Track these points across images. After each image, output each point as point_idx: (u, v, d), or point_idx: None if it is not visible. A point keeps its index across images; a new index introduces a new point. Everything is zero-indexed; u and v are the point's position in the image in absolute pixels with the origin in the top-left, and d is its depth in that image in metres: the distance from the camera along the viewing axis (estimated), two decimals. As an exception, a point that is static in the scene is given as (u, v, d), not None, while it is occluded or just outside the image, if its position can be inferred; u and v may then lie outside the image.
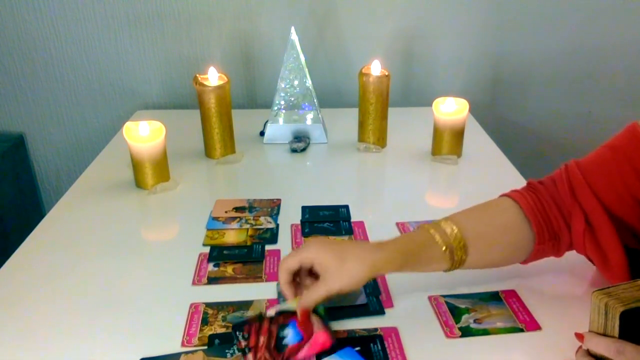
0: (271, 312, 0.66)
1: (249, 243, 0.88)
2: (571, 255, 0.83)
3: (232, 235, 0.90)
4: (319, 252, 0.65)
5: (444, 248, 0.67)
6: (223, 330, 0.69)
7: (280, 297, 0.75)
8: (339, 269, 0.64)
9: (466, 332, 0.68)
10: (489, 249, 0.71)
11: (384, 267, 0.66)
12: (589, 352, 0.54)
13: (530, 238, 0.71)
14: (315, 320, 0.65)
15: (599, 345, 0.52)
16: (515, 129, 1.59)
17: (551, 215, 0.71)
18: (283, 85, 1.23)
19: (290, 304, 0.66)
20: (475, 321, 0.70)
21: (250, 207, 0.98)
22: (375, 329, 0.69)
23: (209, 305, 0.74)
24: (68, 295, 0.76)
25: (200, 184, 1.10)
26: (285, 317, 0.65)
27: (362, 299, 0.74)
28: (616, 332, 0.50)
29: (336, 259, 0.64)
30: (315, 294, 0.64)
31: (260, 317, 0.66)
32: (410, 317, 0.71)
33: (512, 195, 0.74)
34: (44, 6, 1.40)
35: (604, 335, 0.51)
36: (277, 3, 1.42)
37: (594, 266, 0.74)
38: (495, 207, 0.74)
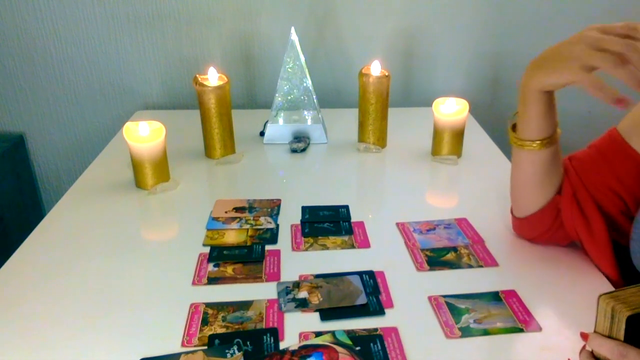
0: (294, 346, 0.65)
1: (249, 243, 0.88)
2: (571, 256, 0.83)
3: (232, 236, 0.90)
4: None
5: None
6: (223, 330, 0.69)
7: (281, 297, 0.75)
8: None
9: (466, 332, 0.68)
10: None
11: None
12: (592, 354, 0.54)
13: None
14: (339, 349, 0.64)
15: (602, 347, 0.52)
16: (515, 129, 1.59)
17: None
18: (283, 85, 1.23)
19: (318, 339, 0.65)
20: (475, 321, 0.70)
21: (250, 207, 0.98)
22: (375, 329, 0.69)
23: (209, 305, 0.74)
24: (68, 295, 0.76)
25: (200, 184, 1.10)
26: (307, 350, 0.64)
27: (362, 299, 0.74)
28: (621, 336, 0.50)
29: None
30: None
31: (283, 352, 0.64)
32: (410, 317, 0.71)
33: None
34: (44, 6, 1.40)
35: (609, 338, 0.51)
36: (277, 3, 1.42)
37: (587, 257, 0.79)
38: None
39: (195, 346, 0.66)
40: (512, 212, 0.87)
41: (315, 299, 0.74)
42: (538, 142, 0.76)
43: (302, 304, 0.73)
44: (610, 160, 0.76)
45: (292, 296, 0.75)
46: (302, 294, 0.75)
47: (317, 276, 0.79)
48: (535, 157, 0.77)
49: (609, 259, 0.76)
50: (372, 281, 0.78)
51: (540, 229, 0.83)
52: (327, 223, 0.94)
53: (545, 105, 0.73)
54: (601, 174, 0.76)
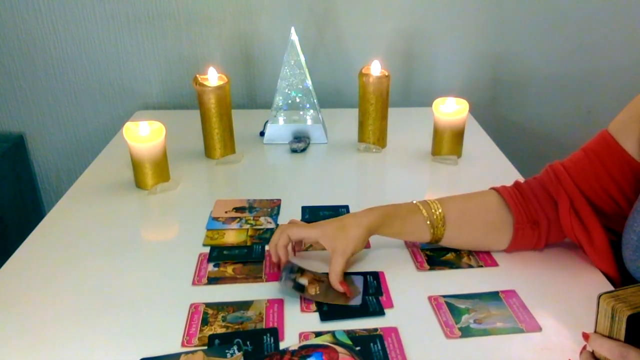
0: (294, 346, 0.65)
1: (249, 243, 0.88)
2: (571, 256, 0.83)
3: (232, 236, 0.90)
4: (324, 229, 0.77)
5: (426, 215, 0.79)
6: (223, 330, 0.69)
7: (284, 272, 0.76)
8: (344, 237, 0.76)
9: (466, 332, 0.68)
10: (468, 224, 0.82)
11: (377, 228, 0.78)
12: (593, 355, 0.54)
13: (509, 222, 0.81)
14: (339, 349, 0.64)
15: (603, 347, 0.52)
16: (515, 129, 1.59)
17: (529, 204, 0.81)
18: (283, 85, 1.23)
19: (318, 339, 0.66)
20: (475, 321, 0.70)
21: (250, 208, 0.98)
22: (375, 329, 0.69)
23: (209, 305, 0.74)
24: (68, 295, 0.76)
25: (200, 184, 1.10)
26: (307, 350, 0.64)
27: (356, 301, 0.74)
28: (622, 336, 0.50)
29: (339, 230, 0.76)
30: (337, 265, 0.75)
31: (283, 352, 0.64)
32: (410, 317, 0.71)
33: (494, 187, 0.85)
34: (44, 6, 1.40)
35: (609, 338, 0.51)
36: (277, 3, 1.42)
37: (587, 257, 0.80)
38: (477, 192, 0.86)
39: (195, 346, 0.66)
40: None
41: (312, 290, 0.74)
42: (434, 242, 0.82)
43: (300, 289, 0.74)
44: (605, 162, 0.75)
45: (294, 277, 0.75)
46: (303, 280, 0.76)
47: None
48: (447, 241, 0.82)
49: (610, 264, 0.77)
50: (376, 282, 0.78)
51: (529, 247, 0.83)
52: (327, 223, 0.93)
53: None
54: (599, 177, 0.76)
